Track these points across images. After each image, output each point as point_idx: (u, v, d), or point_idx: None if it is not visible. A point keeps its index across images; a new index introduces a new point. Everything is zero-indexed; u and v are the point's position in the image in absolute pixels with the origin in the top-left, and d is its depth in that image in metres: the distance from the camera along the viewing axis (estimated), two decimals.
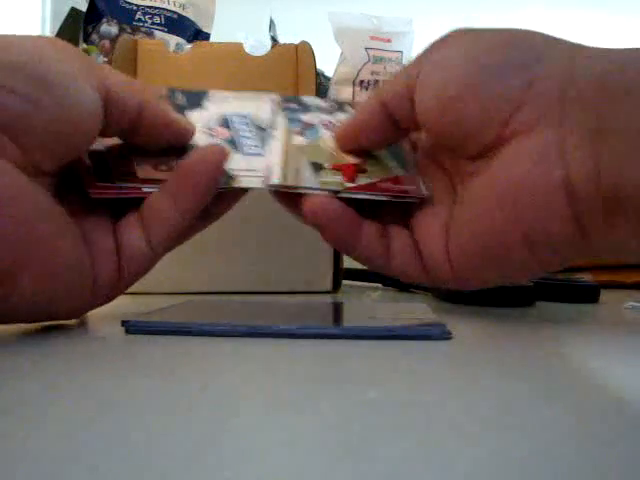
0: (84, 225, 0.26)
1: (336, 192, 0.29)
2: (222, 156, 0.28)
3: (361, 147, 0.31)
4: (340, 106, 0.36)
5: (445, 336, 0.24)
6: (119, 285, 0.27)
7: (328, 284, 0.45)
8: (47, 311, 0.25)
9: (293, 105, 0.35)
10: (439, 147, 0.32)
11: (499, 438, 0.13)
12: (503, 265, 0.28)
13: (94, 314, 0.31)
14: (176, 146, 0.29)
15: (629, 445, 0.13)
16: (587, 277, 0.48)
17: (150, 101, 0.28)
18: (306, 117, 0.34)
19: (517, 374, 0.19)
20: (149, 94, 0.28)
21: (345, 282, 0.48)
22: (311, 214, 0.28)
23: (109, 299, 0.28)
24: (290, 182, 0.29)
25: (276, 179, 0.29)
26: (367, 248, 0.29)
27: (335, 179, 0.30)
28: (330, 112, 0.35)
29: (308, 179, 0.29)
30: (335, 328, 0.25)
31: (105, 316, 0.30)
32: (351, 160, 0.31)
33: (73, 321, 0.28)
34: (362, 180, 0.30)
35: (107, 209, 0.28)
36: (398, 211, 0.31)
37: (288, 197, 0.30)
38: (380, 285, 0.51)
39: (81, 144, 0.26)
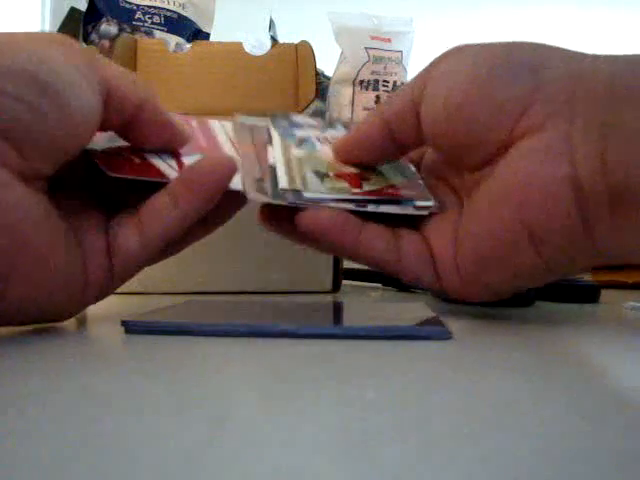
0: (76, 224, 0.26)
1: (349, 201, 0.29)
2: (232, 167, 0.28)
3: (360, 161, 0.32)
4: (331, 124, 0.37)
5: (445, 336, 0.24)
6: (109, 285, 0.27)
7: (328, 284, 0.45)
8: (35, 314, 0.25)
9: (283, 122, 0.36)
10: (443, 163, 0.32)
11: (499, 438, 0.13)
12: (509, 267, 0.28)
13: (94, 314, 0.31)
14: (170, 149, 0.29)
15: (629, 445, 0.13)
16: (587, 277, 0.48)
17: (150, 98, 0.27)
18: (299, 132, 0.35)
19: (517, 374, 0.19)
20: (149, 91, 0.28)
21: (345, 282, 0.48)
22: (305, 227, 0.28)
23: (98, 299, 0.27)
24: (298, 187, 0.29)
25: (284, 184, 0.29)
26: (370, 249, 0.29)
27: (341, 185, 0.30)
28: (321, 129, 0.36)
29: (315, 185, 0.30)
30: (335, 328, 0.25)
31: (105, 316, 0.30)
32: (352, 170, 0.32)
33: (73, 320, 0.28)
34: (367, 187, 0.30)
35: (100, 208, 0.28)
36: (408, 221, 0.31)
37: (273, 213, 0.30)
38: (380, 285, 0.51)
39: (80, 145, 0.26)
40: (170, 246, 0.29)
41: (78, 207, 0.27)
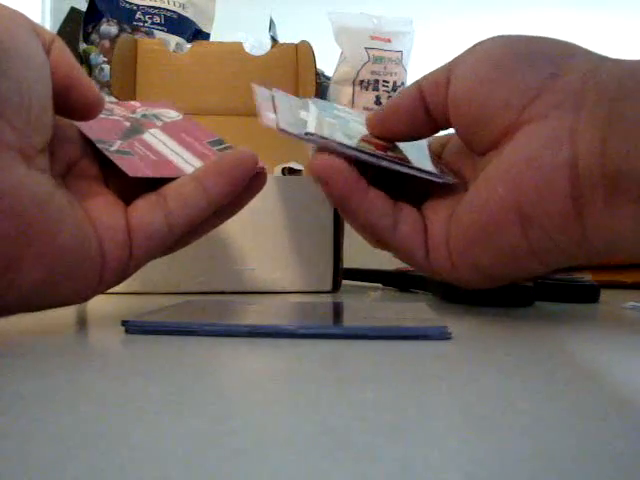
0: (89, 204, 0.26)
1: (367, 154, 0.30)
2: (255, 159, 0.30)
3: (390, 132, 0.33)
4: None
5: (445, 336, 0.24)
6: (127, 265, 0.27)
7: (328, 284, 0.45)
8: (51, 299, 0.25)
9: (324, 103, 0.38)
10: (459, 154, 0.33)
11: (499, 438, 0.13)
12: (494, 246, 0.28)
13: (94, 314, 0.31)
14: (81, 116, 0.27)
15: (629, 445, 0.13)
16: (587, 277, 0.48)
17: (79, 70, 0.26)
18: (337, 112, 0.36)
19: (517, 374, 0.19)
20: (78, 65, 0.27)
21: (345, 282, 0.48)
22: (317, 167, 0.30)
23: (119, 280, 0.27)
24: (325, 135, 0.30)
25: (311, 129, 0.31)
26: (371, 211, 0.30)
27: (366, 145, 0.31)
28: (359, 117, 0.37)
29: (341, 138, 0.31)
30: (335, 328, 0.25)
31: (105, 316, 0.30)
32: (380, 142, 0.33)
33: (74, 320, 0.28)
34: (390, 153, 0.32)
35: (116, 194, 0.28)
36: (411, 195, 0.32)
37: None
38: (380, 285, 0.51)
39: (49, 97, 0.25)
40: (188, 234, 0.29)
41: (91, 190, 0.27)
